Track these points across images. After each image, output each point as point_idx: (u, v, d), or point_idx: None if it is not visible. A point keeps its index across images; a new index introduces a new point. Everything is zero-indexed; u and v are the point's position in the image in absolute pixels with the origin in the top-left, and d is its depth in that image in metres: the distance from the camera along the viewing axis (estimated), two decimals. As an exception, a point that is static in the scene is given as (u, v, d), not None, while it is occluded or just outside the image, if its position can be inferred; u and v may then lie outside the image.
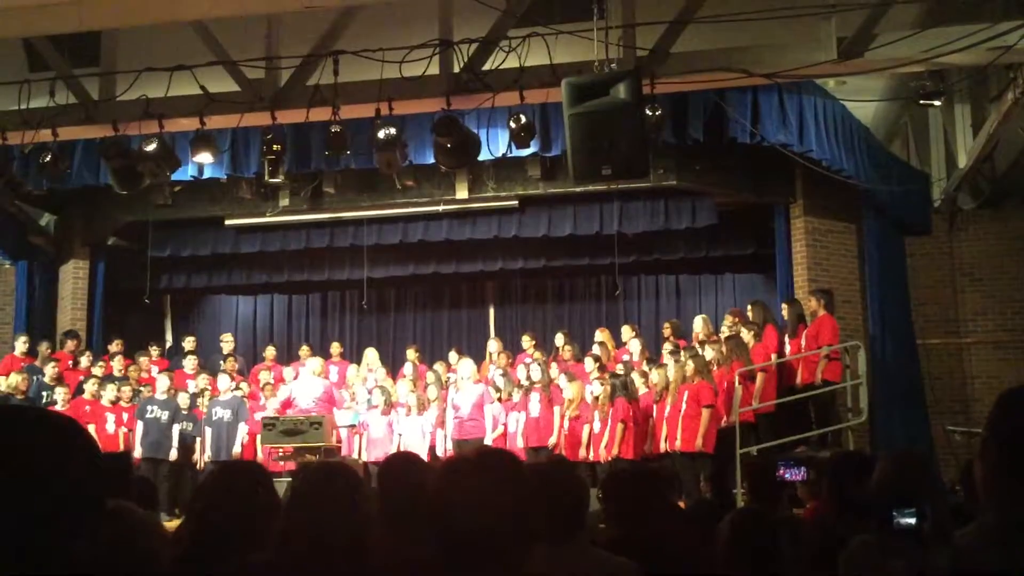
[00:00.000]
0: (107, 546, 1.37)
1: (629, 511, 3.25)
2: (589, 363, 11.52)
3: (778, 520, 3.41)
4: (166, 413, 11.72)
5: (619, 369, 11.37)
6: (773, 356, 10.80)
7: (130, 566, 2.12)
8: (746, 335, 10.89)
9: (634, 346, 12.09)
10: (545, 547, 2.47)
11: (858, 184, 11.54)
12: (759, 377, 10.50)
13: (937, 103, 10.59)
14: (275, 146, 9.65)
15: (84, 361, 12.65)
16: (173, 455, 11.67)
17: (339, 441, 11.96)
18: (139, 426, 11.60)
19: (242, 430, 11.81)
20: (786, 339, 11.00)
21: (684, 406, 10.25)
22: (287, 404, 12.12)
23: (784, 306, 11.33)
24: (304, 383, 12.36)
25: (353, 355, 14.04)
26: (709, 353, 10.85)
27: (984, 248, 13.39)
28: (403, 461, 3.72)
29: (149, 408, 11.72)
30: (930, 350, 12.88)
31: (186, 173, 11.28)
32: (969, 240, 13.43)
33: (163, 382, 12.00)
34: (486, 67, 8.52)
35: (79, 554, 1.30)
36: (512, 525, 2.15)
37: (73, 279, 13.71)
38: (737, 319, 11.55)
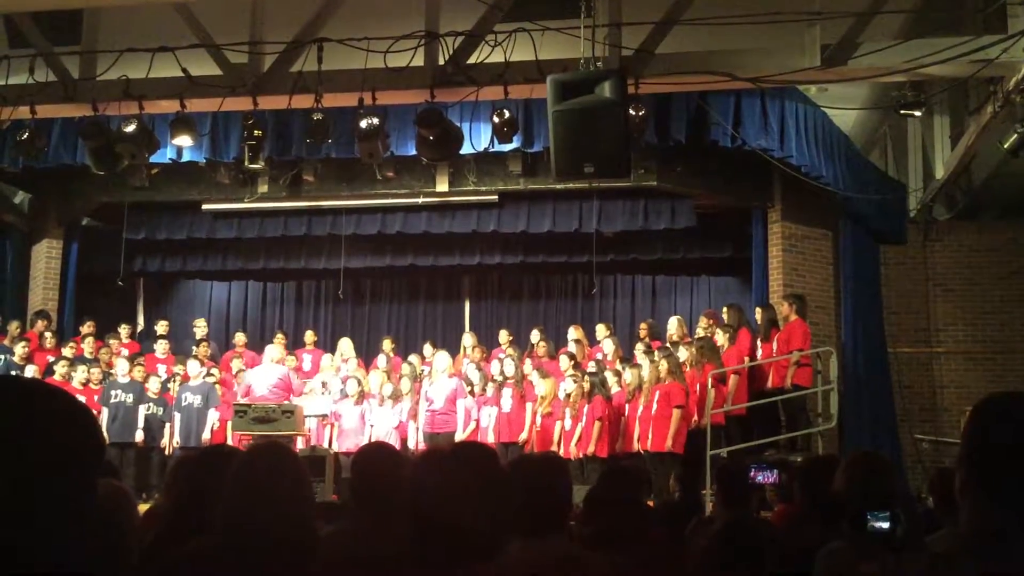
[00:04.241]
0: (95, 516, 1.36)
1: (604, 509, 3.26)
2: (564, 361, 11.54)
3: (757, 526, 3.43)
4: (131, 396, 11.65)
5: (591, 367, 11.40)
6: (745, 359, 10.87)
7: (109, 537, 2.11)
8: (720, 337, 10.95)
9: (608, 345, 12.12)
10: (521, 540, 2.47)
11: (836, 192, 11.62)
12: (731, 380, 10.56)
13: (917, 113, 10.69)
14: (256, 132, 9.56)
15: (47, 342, 12.52)
16: (139, 436, 11.61)
17: (309, 430, 11.90)
18: (104, 411, 11.52)
19: (212, 416, 11.74)
20: (758, 343, 11.06)
21: (656, 406, 10.29)
22: (247, 392, 12.02)
23: (757, 310, 11.40)
24: (261, 371, 12.25)
25: (327, 344, 13.99)
26: (683, 354, 10.90)
27: (957, 259, 13.52)
28: (377, 451, 3.70)
29: (113, 392, 11.66)
30: (901, 358, 13.00)
31: (164, 156, 11.21)
32: (943, 251, 13.56)
33: (123, 366, 11.91)
34: (471, 61, 8.51)
35: (75, 525, 1.29)
36: (485, 518, 2.15)
37: (46, 259, 13.59)
38: (712, 321, 11.61)
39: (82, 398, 11.47)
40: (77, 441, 1.34)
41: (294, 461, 2.44)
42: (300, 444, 11.25)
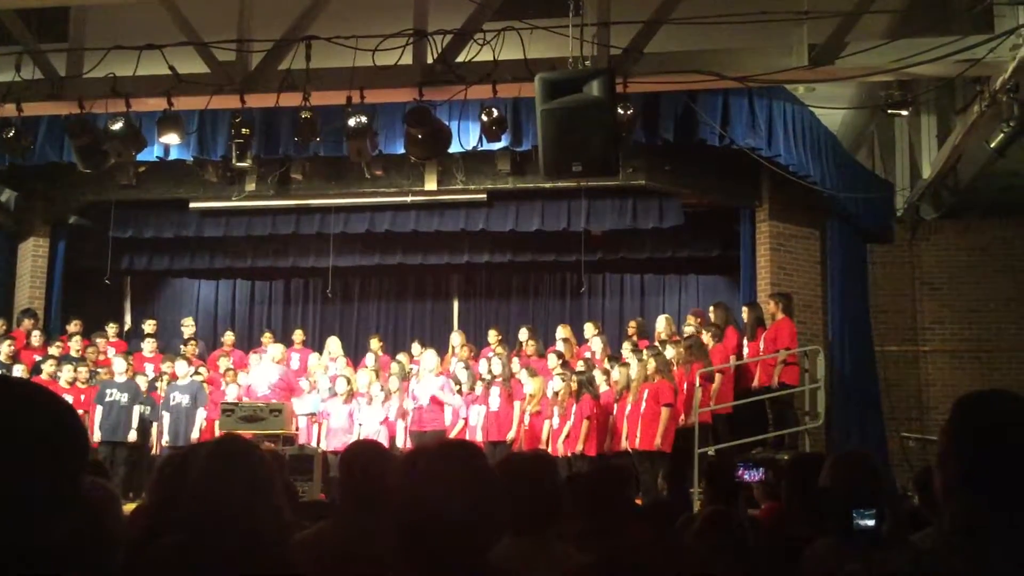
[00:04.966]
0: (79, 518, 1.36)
1: (592, 507, 3.26)
2: (552, 359, 11.54)
3: (743, 520, 3.44)
4: (125, 395, 11.62)
5: (580, 366, 11.41)
6: (732, 358, 10.89)
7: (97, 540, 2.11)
8: (706, 336, 10.97)
9: (596, 344, 12.14)
10: (510, 539, 2.47)
11: (823, 191, 11.65)
12: (717, 378, 10.59)
13: (904, 113, 10.71)
14: (243, 130, 9.53)
15: (34, 341, 12.47)
16: (132, 436, 11.58)
17: (297, 429, 11.90)
18: (98, 410, 11.48)
19: (200, 415, 11.72)
20: (744, 341, 11.09)
21: (644, 404, 10.31)
22: (248, 393, 12.02)
23: (744, 308, 11.42)
24: (261, 369, 12.27)
25: (315, 343, 13.97)
26: (670, 352, 10.92)
27: (944, 258, 13.58)
28: (365, 450, 3.70)
29: (108, 391, 11.61)
30: (888, 357, 13.04)
31: (151, 154, 11.16)
32: (930, 250, 13.61)
33: (120, 364, 11.88)
34: (460, 59, 8.50)
35: (59, 524, 1.29)
36: (475, 516, 2.15)
37: (32, 257, 13.52)
38: (699, 320, 11.64)
39: (69, 397, 11.43)
40: (62, 441, 1.33)
41: (250, 453, 2.43)
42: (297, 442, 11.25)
